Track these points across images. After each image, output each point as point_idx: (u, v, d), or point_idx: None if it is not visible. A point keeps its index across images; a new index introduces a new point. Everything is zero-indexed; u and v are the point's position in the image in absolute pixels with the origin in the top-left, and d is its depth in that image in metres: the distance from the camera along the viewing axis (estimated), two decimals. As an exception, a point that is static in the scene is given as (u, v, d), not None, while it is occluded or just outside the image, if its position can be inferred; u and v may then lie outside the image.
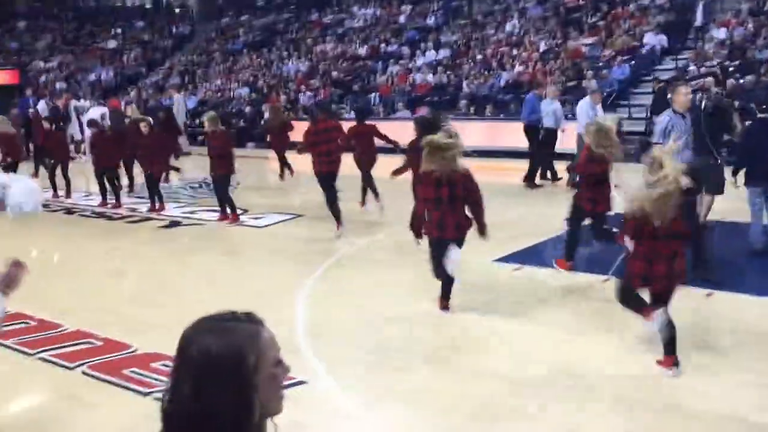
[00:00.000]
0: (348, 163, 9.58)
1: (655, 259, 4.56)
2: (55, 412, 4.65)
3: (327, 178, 8.80)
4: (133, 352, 5.28)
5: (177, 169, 13.21)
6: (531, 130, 12.30)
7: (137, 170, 12.34)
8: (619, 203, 6.15)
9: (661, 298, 4.61)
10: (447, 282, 5.95)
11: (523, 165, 12.28)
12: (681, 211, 4.64)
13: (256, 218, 10.14)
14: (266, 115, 16.74)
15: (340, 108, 20.55)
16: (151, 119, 12.16)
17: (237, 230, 9.65)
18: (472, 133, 16.54)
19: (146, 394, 4.51)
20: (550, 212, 8.99)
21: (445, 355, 5.28)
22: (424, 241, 6.10)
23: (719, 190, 7.60)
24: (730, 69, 15.24)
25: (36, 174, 14.58)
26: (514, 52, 19.64)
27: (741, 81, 14.48)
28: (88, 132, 13.46)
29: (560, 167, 11.72)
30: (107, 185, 11.40)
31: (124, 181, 12.43)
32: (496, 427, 4.22)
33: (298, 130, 11.21)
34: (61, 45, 29.35)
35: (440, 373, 4.94)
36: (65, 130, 13.94)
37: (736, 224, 7.93)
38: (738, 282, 6.49)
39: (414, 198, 6.79)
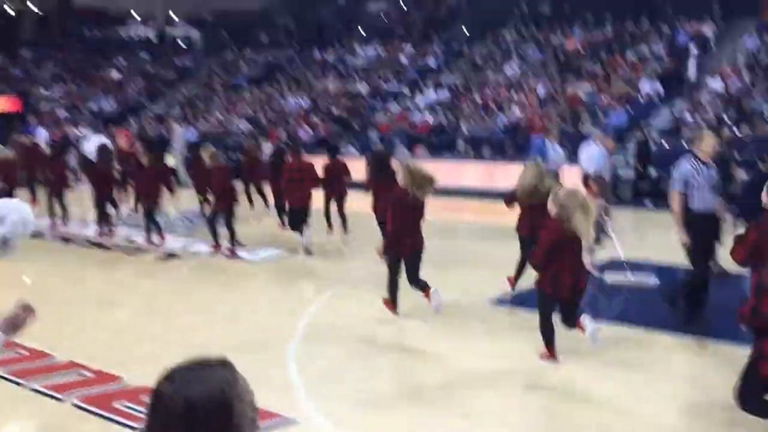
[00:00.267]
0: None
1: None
2: (43, 443, 4.59)
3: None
4: (124, 385, 5.24)
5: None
6: None
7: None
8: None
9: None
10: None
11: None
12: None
13: (252, 252, 10.15)
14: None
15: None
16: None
17: (233, 262, 9.65)
18: (470, 174, 16.73)
19: (135, 429, 4.47)
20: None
21: (435, 395, 5.25)
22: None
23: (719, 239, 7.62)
24: (727, 120, 15.45)
25: (34, 201, 14.62)
26: (513, 95, 19.89)
27: (738, 132, 14.68)
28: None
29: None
30: (106, 214, 11.40)
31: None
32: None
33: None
34: (64, 74, 29.61)
35: (429, 413, 4.91)
36: (64, 159, 13.97)
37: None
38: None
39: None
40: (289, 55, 29.71)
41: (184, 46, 35.29)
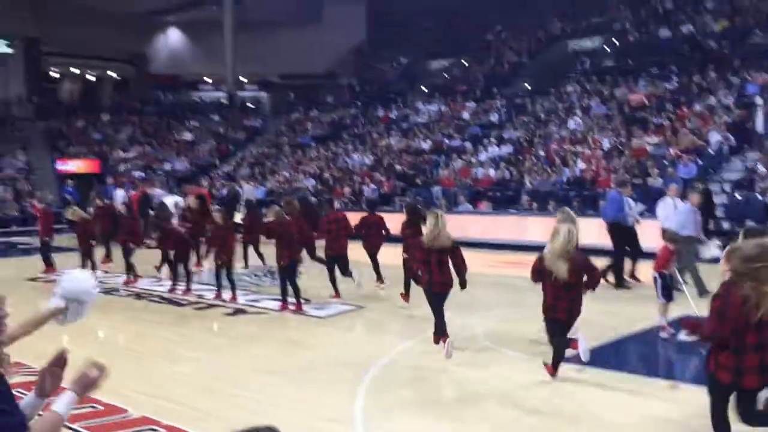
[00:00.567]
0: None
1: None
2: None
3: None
4: (193, 440, 5.34)
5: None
6: (617, 228, 11.80)
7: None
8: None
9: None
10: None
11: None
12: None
13: (317, 308, 10.27)
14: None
15: (402, 201, 20.91)
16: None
17: (299, 319, 9.76)
18: (534, 228, 16.57)
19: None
20: (623, 311, 8.81)
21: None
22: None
23: None
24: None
25: (108, 258, 15.18)
26: (577, 149, 19.77)
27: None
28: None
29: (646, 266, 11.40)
30: (180, 271, 11.75)
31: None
32: None
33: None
34: (140, 137, 31.03)
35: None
36: (138, 218, 14.53)
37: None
38: None
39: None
40: (353, 113, 30.42)
41: (252, 107, 36.61)
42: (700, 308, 8.15)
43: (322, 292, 11.22)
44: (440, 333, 7.50)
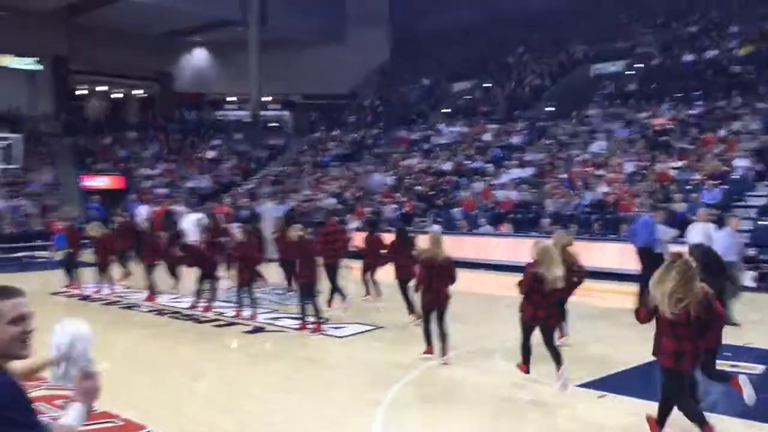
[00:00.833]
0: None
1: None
2: None
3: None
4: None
5: (260, 276, 13.61)
6: (646, 253, 11.49)
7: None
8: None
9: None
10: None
11: (604, 286, 12.03)
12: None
13: (336, 327, 10.27)
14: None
15: (422, 221, 20.92)
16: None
17: (317, 339, 9.77)
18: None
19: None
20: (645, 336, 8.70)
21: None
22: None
23: None
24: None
25: (128, 274, 15.28)
26: (600, 172, 19.67)
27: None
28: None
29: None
30: (203, 288, 11.82)
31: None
32: None
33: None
34: (165, 154, 31.40)
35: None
36: (160, 234, 14.65)
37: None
38: None
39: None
40: (375, 133, 30.56)
41: (275, 126, 36.95)
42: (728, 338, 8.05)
43: (340, 312, 11.23)
44: (429, 343, 8.25)
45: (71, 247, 14.62)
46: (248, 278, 11.09)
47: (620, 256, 13.87)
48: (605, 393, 6.93)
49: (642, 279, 11.41)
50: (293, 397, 7.00)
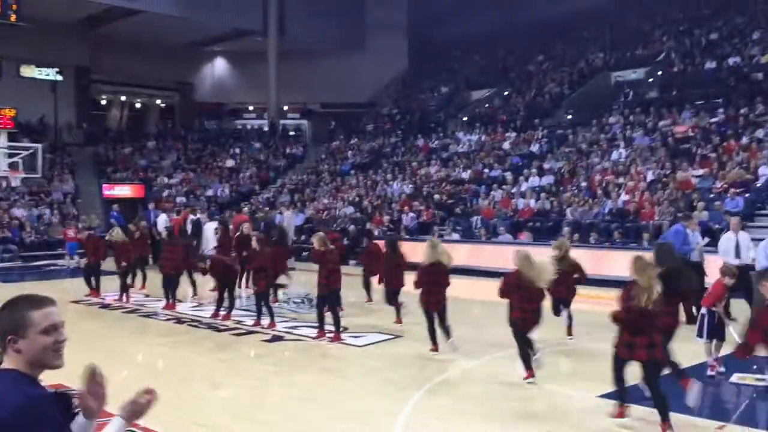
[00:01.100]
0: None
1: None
2: None
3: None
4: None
5: (282, 286, 13.62)
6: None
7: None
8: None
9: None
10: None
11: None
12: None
13: (355, 336, 10.23)
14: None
15: (441, 230, 20.86)
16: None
17: (336, 348, 9.73)
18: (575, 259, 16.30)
19: None
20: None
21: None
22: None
23: None
24: None
25: (143, 285, 15.29)
26: (620, 180, 19.50)
27: None
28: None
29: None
30: (225, 297, 11.83)
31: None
32: None
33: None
34: (184, 163, 31.60)
35: None
36: (178, 243, 14.68)
37: None
38: None
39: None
40: (393, 142, 30.55)
41: (294, 135, 37.07)
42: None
43: (358, 321, 11.19)
44: (433, 341, 9.02)
45: (92, 256, 14.70)
46: (266, 287, 11.09)
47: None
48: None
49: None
50: (312, 407, 6.96)
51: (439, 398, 7.32)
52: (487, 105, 30.67)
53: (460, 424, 6.43)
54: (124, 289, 14.01)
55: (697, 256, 11.33)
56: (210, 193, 28.78)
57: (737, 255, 10.91)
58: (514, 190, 21.56)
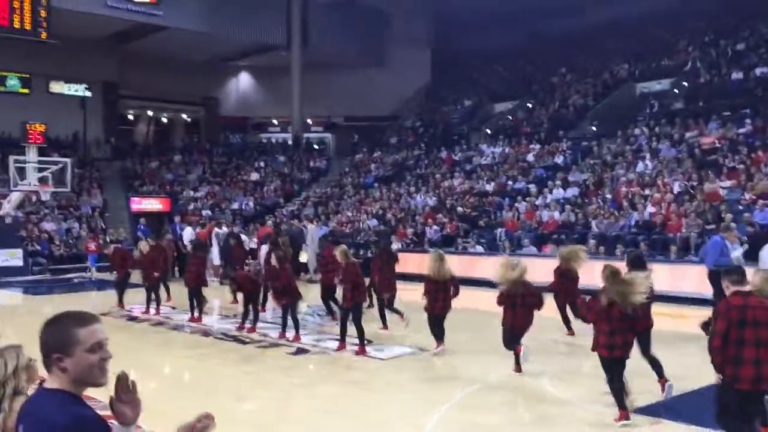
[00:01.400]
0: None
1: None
2: None
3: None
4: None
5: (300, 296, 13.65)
6: (718, 276, 11.34)
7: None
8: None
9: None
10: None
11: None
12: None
13: (379, 350, 10.22)
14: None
15: (465, 242, 20.80)
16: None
17: (361, 360, 9.73)
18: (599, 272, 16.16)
19: None
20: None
21: None
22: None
23: None
24: None
25: (168, 297, 15.40)
26: (646, 192, 19.31)
27: None
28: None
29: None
30: (251, 309, 11.89)
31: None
32: None
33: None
34: (209, 177, 31.93)
35: None
36: (204, 256, 14.78)
37: None
38: None
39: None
40: (417, 154, 30.58)
41: (318, 148, 37.29)
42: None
43: (380, 333, 11.18)
44: (439, 339, 9.74)
45: (119, 268, 14.88)
46: (290, 300, 11.11)
47: (669, 278, 13.54)
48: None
49: (714, 303, 11.04)
50: (337, 419, 6.96)
51: (466, 412, 7.28)
52: (510, 117, 30.60)
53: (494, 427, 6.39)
54: (156, 301, 14.12)
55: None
56: (235, 206, 29.01)
57: None
58: (538, 202, 21.45)
